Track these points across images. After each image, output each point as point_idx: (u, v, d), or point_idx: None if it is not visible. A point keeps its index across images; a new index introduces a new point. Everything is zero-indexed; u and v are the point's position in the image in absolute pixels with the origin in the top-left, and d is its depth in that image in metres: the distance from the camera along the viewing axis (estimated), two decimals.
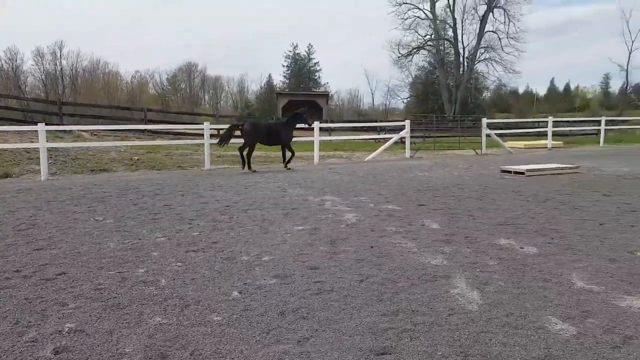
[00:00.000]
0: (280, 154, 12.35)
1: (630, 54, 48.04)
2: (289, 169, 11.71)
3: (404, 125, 16.42)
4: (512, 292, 3.36)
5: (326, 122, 30.45)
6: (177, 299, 3.30)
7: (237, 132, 11.65)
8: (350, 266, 3.95)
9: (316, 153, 13.96)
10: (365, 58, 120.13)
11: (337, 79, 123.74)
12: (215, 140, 12.03)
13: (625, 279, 3.59)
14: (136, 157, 14.73)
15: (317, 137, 14.08)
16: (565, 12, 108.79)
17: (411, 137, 16.91)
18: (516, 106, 60.44)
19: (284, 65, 70.06)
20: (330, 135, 25.93)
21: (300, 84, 65.16)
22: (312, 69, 69.49)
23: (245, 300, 3.27)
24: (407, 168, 11.92)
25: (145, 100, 55.50)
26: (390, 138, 17.09)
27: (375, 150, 16.43)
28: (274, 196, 7.51)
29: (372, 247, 4.50)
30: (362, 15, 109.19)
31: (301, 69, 68.86)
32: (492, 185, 8.63)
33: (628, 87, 56.43)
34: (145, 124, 22.66)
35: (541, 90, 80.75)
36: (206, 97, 72.34)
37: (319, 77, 69.92)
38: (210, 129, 12.77)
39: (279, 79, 71.31)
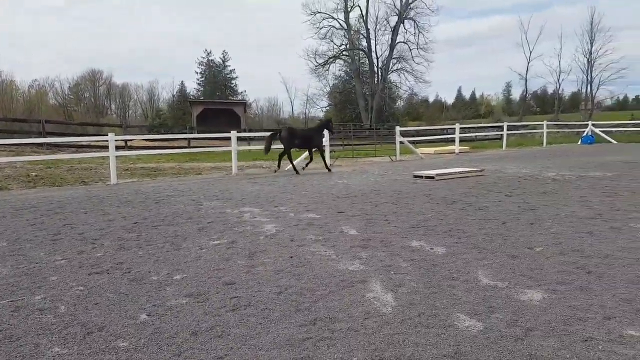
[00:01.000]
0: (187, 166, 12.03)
1: (528, 63, 52.44)
2: (323, 169, 13.45)
3: (324, 134, 16.64)
4: (424, 292, 3.48)
5: (245, 131, 30.14)
6: (79, 327, 3.02)
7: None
8: (268, 278, 3.87)
9: (234, 163, 13.68)
10: (283, 66, 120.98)
11: (255, 87, 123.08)
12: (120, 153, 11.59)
13: (526, 273, 3.85)
14: (34, 174, 13.51)
15: (234, 147, 13.80)
16: (470, 24, 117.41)
17: (330, 145, 17.18)
18: (427, 114, 64.01)
19: (197, 72, 68.16)
20: (249, 144, 25.64)
21: (215, 92, 63.75)
22: (228, 76, 68.21)
23: (154, 322, 3.07)
24: (327, 176, 12.07)
25: (45, 111, 51.46)
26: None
27: (296, 159, 16.47)
28: (188, 210, 7.21)
29: (291, 257, 4.46)
30: (280, 23, 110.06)
31: (216, 76, 67.33)
32: (405, 190, 8.98)
33: (527, 95, 61.77)
34: (44, 136, 20.97)
35: (449, 99, 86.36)
36: (113, 106, 68.70)
37: (236, 84, 68.93)
38: (116, 140, 12.06)
39: (192, 86, 69.24)
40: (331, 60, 48.52)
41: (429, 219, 6.14)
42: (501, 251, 4.52)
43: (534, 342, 2.67)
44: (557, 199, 7.47)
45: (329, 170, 13.44)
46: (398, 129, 18.63)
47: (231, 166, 13.93)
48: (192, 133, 29.16)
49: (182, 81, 71.55)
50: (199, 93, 65.34)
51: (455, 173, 11.02)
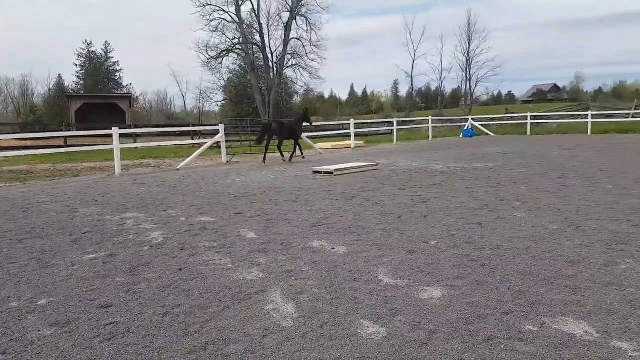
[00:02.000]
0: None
1: (414, 62, 55.59)
2: (304, 158, 15.30)
3: (219, 129, 16.00)
4: (326, 298, 3.29)
5: (130, 127, 28.07)
6: None
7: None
8: (152, 297, 3.41)
9: (117, 163, 12.50)
10: (173, 59, 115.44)
11: (142, 80, 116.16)
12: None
13: (424, 269, 3.84)
14: None
15: (117, 145, 12.59)
16: (360, 24, 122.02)
17: (227, 141, 16.57)
18: (323, 110, 65.41)
19: (76, 65, 63.03)
20: (135, 142, 23.92)
21: (98, 85, 59.40)
22: (111, 68, 63.97)
23: None
24: (224, 174, 11.55)
25: None
26: (206, 143, 16.47)
27: (189, 156, 15.63)
28: (61, 218, 6.33)
29: (180, 270, 4.02)
30: (168, 14, 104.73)
31: (98, 69, 62.86)
32: (305, 186, 8.83)
33: (413, 92, 65.54)
34: None
35: (343, 95, 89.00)
36: None
37: (120, 77, 64.89)
38: None
39: (71, 79, 64.36)
40: (224, 53, 46.99)
41: (330, 216, 6.02)
42: (399, 247, 4.51)
43: (438, 346, 2.58)
44: (446, 190, 7.81)
45: (303, 157, 15.26)
46: None
47: (114, 166, 12.75)
48: (69, 130, 26.51)
49: (59, 74, 65.64)
50: (79, 87, 60.29)
51: (352, 168, 11.15)
